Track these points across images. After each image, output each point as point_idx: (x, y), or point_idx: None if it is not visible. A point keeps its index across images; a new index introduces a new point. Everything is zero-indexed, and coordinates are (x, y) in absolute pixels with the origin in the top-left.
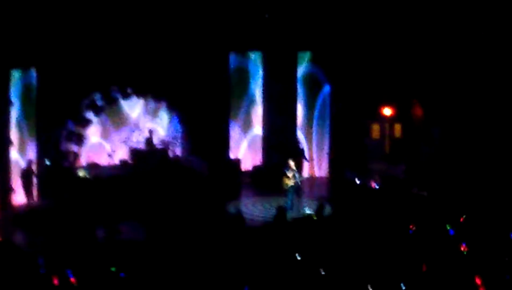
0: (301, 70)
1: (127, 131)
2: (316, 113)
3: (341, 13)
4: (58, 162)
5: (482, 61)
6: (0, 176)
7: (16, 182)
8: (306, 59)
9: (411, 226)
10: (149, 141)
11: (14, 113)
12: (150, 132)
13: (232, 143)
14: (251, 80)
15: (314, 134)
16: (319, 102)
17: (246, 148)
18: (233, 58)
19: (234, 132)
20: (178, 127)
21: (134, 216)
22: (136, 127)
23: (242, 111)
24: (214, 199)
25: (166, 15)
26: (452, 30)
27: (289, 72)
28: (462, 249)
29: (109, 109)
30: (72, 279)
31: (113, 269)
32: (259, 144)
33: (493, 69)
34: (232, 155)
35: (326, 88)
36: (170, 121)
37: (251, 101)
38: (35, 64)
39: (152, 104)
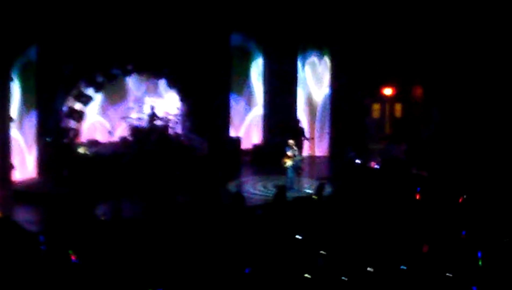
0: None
1: (127, 108)
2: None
3: None
4: (58, 139)
5: (482, 42)
6: (0, 152)
7: (15, 159)
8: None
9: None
10: (150, 118)
11: (14, 89)
12: (152, 108)
13: (236, 119)
14: (252, 59)
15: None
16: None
17: (246, 126)
18: (235, 36)
19: (239, 107)
20: (179, 104)
21: (134, 193)
22: (136, 104)
23: (245, 89)
24: (214, 177)
25: None
26: (453, 10)
27: (290, 51)
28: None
29: (109, 86)
30: (73, 257)
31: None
32: (259, 123)
33: (493, 50)
34: (234, 133)
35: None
36: (171, 99)
37: (253, 80)
38: (36, 41)
39: (152, 81)
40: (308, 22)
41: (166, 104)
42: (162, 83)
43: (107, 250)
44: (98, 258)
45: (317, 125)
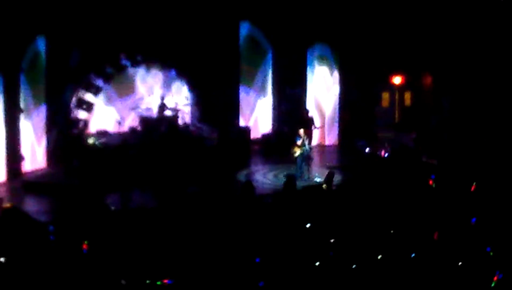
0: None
1: (136, 98)
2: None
3: None
4: (67, 130)
5: (492, 30)
6: (10, 143)
7: (25, 150)
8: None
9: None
10: (159, 108)
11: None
12: (161, 99)
13: (247, 110)
14: (262, 48)
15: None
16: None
17: (256, 116)
18: (245, 26)
19: (250, 98)
20: (188, 94)
21: (144, 183)
22: (146, 94)
23: (256, 79)
24: (224, 167)
25: None
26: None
27: (299, 41)
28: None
29: (119, 76)
30: (85, 246)
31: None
32: (269, 113)
33: (503, 38)
34: (244, 122)
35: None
36: (180, 89)
37: (263, 70)
38: (45, 32)
39: (162, 72)
40: (317, 11)
41: (176, 94)
42: (171, 73)
43: (116, 240)
44: (107, 248)
45: (326, 114)
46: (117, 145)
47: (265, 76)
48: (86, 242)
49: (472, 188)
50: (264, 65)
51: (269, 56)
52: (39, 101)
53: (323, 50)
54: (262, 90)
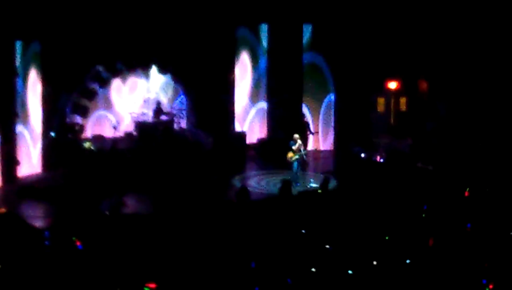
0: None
1: (132, 102)
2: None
3: None
4: (63, 134)
5: (487, 36)
6: (5, 148)
7: (20, 154)
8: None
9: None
10: (155, 113)
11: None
12: (157, 103)
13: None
14: (257, 53)
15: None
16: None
17: (251, 121)
18: (240, 31)
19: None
20: (183, 99)
21: (139, 188)
22: (142, 98)
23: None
24: (219, 172)
25: None
26: (458, 4)
27: (295, 45)
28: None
29: (114, 81)
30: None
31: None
32: (264, 117)
33: (498, 44)
34: (238, 128)
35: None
36: (176, 94)
37: (257, 74)
38: (39, 35)
39: (157, 76)
40: (312, 15)
41: (171, 99)
42: (167, 78)
43: (110, 245)
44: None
45: (321, 119)
46: (112, 150)
47: (261, 80)
48: (74, 239)
49: (466, 194)
50: (257, 70)
51: (262, 60)
52: (35, 106)
53: (315, 57)
54: (258, 94)
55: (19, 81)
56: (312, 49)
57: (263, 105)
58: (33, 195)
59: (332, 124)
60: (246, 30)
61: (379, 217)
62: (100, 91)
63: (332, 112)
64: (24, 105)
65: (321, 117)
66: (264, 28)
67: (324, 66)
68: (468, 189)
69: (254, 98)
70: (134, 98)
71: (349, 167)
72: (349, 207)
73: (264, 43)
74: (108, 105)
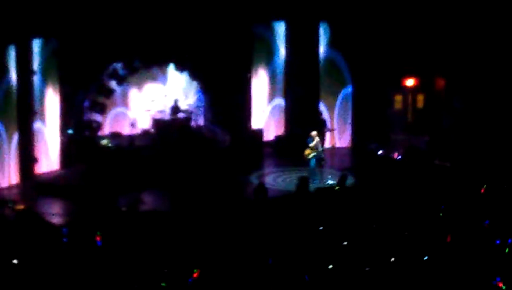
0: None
1: (149, 100)
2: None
3: None
4: (80, 131)
5: (504, 33)
6: (23, 146)
7: (39, 151)
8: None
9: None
10: (172, 110)
11: (37, 81)
12: (174, 101)
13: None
14: (274, 50)
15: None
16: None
17: (268, 118)
18: (256, 28)
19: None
20: (201, 96)
21: (157, 186)
22: (159, 96)
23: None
24: (237, 169)
25: None
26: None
27: (311, 43)
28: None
29: (132, 78)
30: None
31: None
32: (281, 114)
33: None
34: (254, 125)
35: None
36: (193, 91)
37: (274, 71)
38: (57, 33)
39: (174, 73)
40: (331, 12)
41: (189, 96)
42: (185, 75)
43: (128, 242)
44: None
45: (338, 116)
46: (129, 147)
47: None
48: (99, 233)
49: (482, 191)
50: (273, 66)
51: (282, 56)
52: (53, 103)
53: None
54: (275, 91)
55: (38, 79)
56: (330, 47)
57: (279, 101)
58: (51, 192)
59: (350, 121)
60: (262, 27)
61: (397, 214)
62: (118, 89)
63: (349, 105)
64: (42, 102)
65: (336, 110)
66: (278, 25)
67: (342, 63)
68: (484, 186)
69: (270, 95)
70: (152, 96)
71: (367, 164)
72: (367, 204)
73: (279, 40)
74: (125, 103)
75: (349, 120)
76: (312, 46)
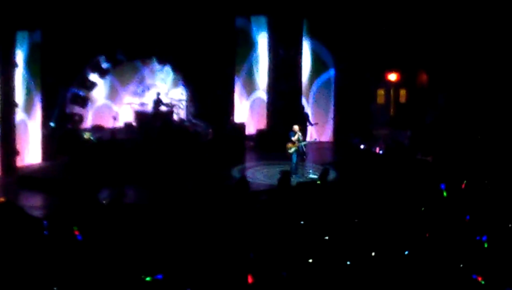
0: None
1: (131, 93)
2: (320, 78)
3: None
4: (62, 124)
5: (487, 28)
6: (4, 138)
7: (20, 144)
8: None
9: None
10: (154, 104)
11: (20, 74)
12: (157, 94)
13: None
14: (255, 44)
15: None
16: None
17: (249, 112)
18: (238, 21)
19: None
20: (183, 90)
21: (138, 179)
22: (141, 89)
23: (245, 73)
24: (218, 163)
25: None
26: None
27: (294, 37)
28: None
29: (114, 71)
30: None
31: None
32: (262, 108)
33: (499, 35)
34: (236, 119)
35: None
36: (175, 84)
37: (254, 65)
38: (40, 26)
39: (157, 67)
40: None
41: (171, 89)
42: (166, 68)
43: (109, 235)
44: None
45: (321, 110)
46: (111, 140)
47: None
48: (75, 228)
49: (463, 186)
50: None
51: (264, 50)
52: (35, 96)
53: (317, 46)
54: (257, 85)
55: (23, 72)
56: (312, 40)
57: (259, 95)
58: (33, 185)
59: (332, 115)
60: (242, 20)
61: (378, 209)
62: (100, 82)
63: (331, 99)
64: (27, 95)
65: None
66: (258, 18)
67: (326, 56)
68: (465, 181)
69: (252, 87)
70: (134, 89)
71: (349, 159)
72: (348, 199)
73: (257, 32)
74: (108, 96)
75: (331, 115)
76: (294, 40)
